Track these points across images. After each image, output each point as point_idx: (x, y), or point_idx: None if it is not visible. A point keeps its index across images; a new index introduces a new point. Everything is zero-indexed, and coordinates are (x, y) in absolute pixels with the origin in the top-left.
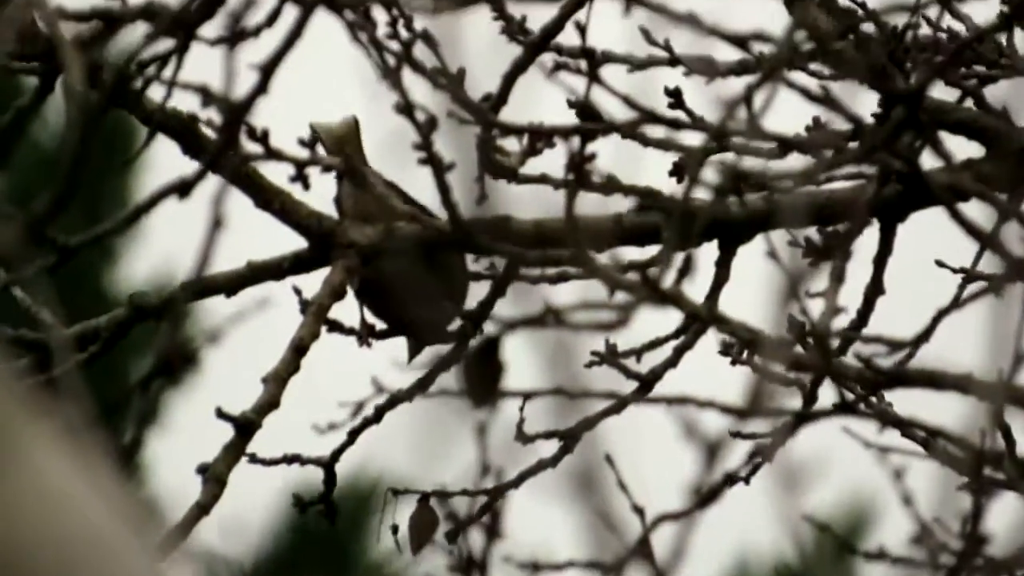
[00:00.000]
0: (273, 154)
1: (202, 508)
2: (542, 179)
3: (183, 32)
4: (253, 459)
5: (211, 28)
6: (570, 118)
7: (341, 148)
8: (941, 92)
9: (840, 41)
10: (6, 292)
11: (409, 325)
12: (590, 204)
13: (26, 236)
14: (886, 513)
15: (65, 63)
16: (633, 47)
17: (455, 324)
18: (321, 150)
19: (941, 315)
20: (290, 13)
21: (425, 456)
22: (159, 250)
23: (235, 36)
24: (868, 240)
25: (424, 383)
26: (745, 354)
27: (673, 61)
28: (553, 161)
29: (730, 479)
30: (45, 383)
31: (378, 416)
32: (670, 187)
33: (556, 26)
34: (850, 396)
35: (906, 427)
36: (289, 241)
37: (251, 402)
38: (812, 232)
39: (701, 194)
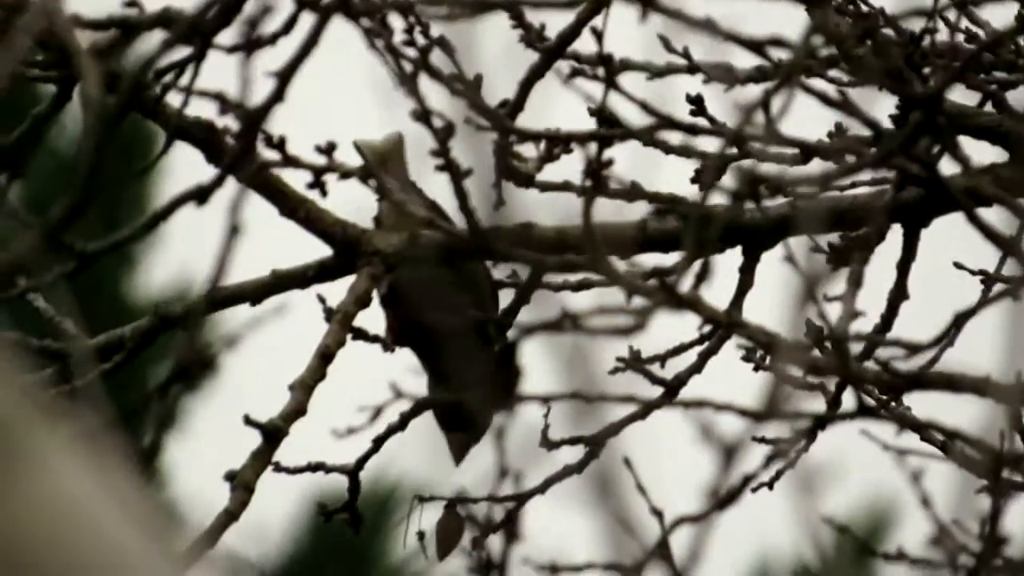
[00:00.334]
0: (290, 161)
1: (230, 515)
2: (563, 186)
3: (200, 39)
4: (278, 468)
5: (228, 35)
6: (587, 124)
7: (385, 165)
8: (963, 96)
9: (858, 46)
10: (30, 303)
11: (435, 343)
12: (612, 211)
13: (44, 243)
14: (905, 515)
15: (82, 71)
16: (651, 54)
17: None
18: (338, 157)
19: (960, 318)
20: (307, 20)
21: (444, 460)
22: (179, 257)
23: (252, 43)
24: (891, 246)
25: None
26: (764, 358)
27: (692, 68)
28: (572, 168)
29: (749, 481)
30: (69, 392)
31: (403, 423)
32: (691, 193)
33: (573, 32)
34: (869, 400)
35: (924, 430)
36: (307, 249)
37: (269, 406)
38: (834, 238)
39: (720, 200)
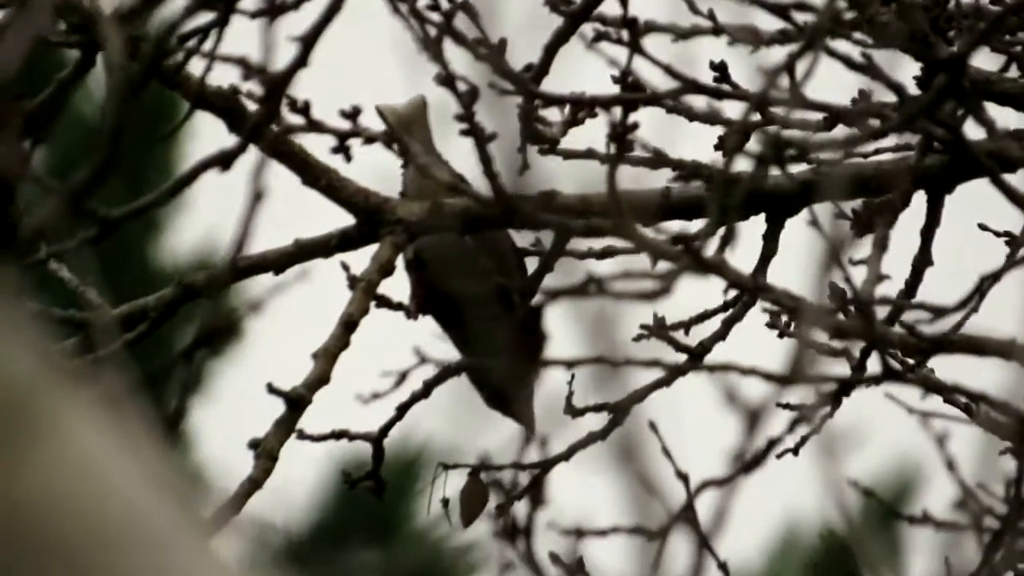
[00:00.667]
0: (314, 126)
1: (254, 483)
2: (587, 154)
3: (223, 4)
4: (301, 435)
5: (251, 0)
6: (612, 90)
7: (408, 129)
8: (987, 59)
9: (882, 9)
10: (55, 272)
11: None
12: (635, 178)
13: (68, 209)
14: (930, 478)
15: (104, 37)
16: (676, 16)
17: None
18: (363, 122)
19: (985, 282)
20: None
21: (468, 426)
22: (204, 222)
23: (275, 8)
24: (914, 212)
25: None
26: (789, 324)
27: (716, 30)
28: (596, 134)
29: (774, 446)
30: (93, 362)
31: (427, 390)
32: (714, 160)
33: None
34: (894, 363)
35: (949, 393)
36: (329, 217)
37: (293, 370)
38: (858, 205)
39: (744, 166)
